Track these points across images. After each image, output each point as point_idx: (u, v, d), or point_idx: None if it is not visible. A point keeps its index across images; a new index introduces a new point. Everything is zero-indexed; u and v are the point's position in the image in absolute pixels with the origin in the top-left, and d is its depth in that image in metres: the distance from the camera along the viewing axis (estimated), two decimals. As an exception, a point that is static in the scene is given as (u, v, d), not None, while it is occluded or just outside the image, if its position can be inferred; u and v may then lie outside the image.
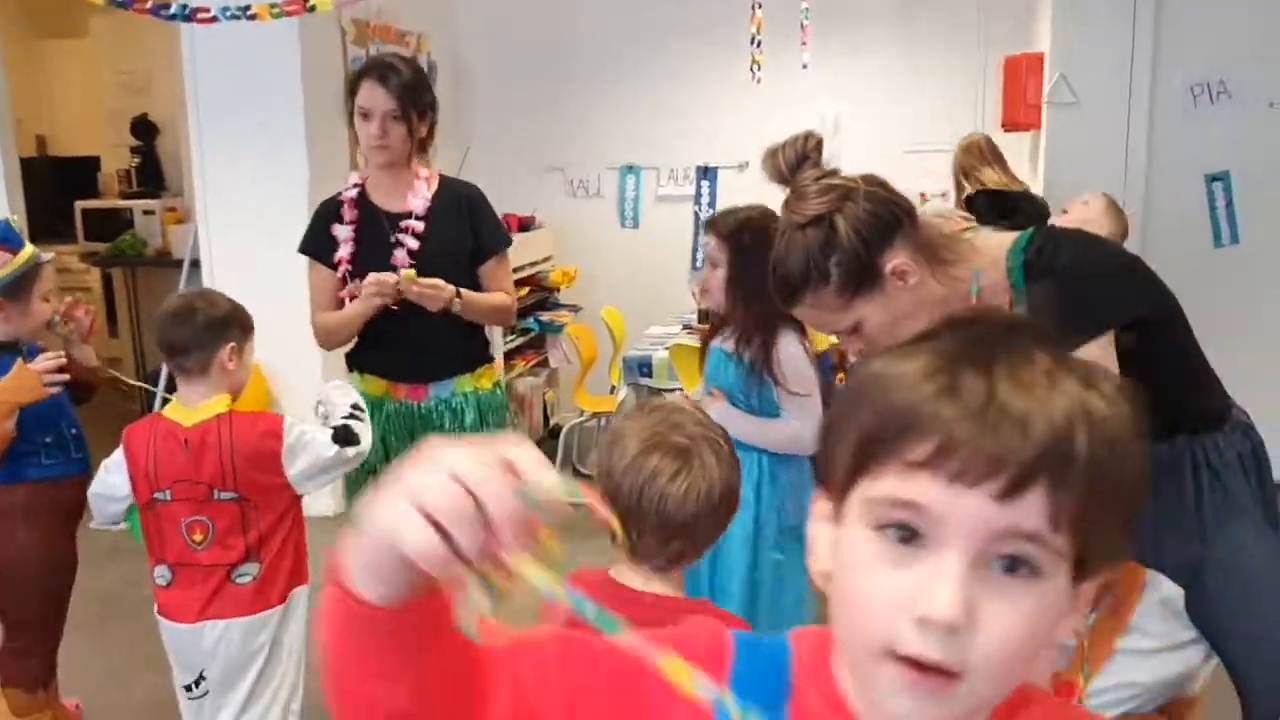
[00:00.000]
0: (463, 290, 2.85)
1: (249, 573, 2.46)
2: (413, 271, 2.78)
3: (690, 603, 1.60)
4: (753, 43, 4.49)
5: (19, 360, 2.80)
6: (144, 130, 7.76)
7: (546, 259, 6.19)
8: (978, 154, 4.89)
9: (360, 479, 2.80)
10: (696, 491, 1.52)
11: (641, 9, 6.16)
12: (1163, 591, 1.77)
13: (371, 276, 2.78)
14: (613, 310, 5.88)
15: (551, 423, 6.28)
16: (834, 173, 1.66)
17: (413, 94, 2.82)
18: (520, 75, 6.37)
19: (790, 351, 2.59)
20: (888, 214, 1.63)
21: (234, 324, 2.49)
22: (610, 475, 1.55)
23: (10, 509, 2.84)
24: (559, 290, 6.25)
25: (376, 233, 2.90)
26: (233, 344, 2.46)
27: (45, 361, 2.76)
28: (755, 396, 2.64)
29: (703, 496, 1.52)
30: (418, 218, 2.88)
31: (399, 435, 2.93)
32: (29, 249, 2.86)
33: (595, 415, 5.57)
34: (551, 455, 5.52)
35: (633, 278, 6.32)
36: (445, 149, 6.24)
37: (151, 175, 7.83)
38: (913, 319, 1.67)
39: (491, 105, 6.44)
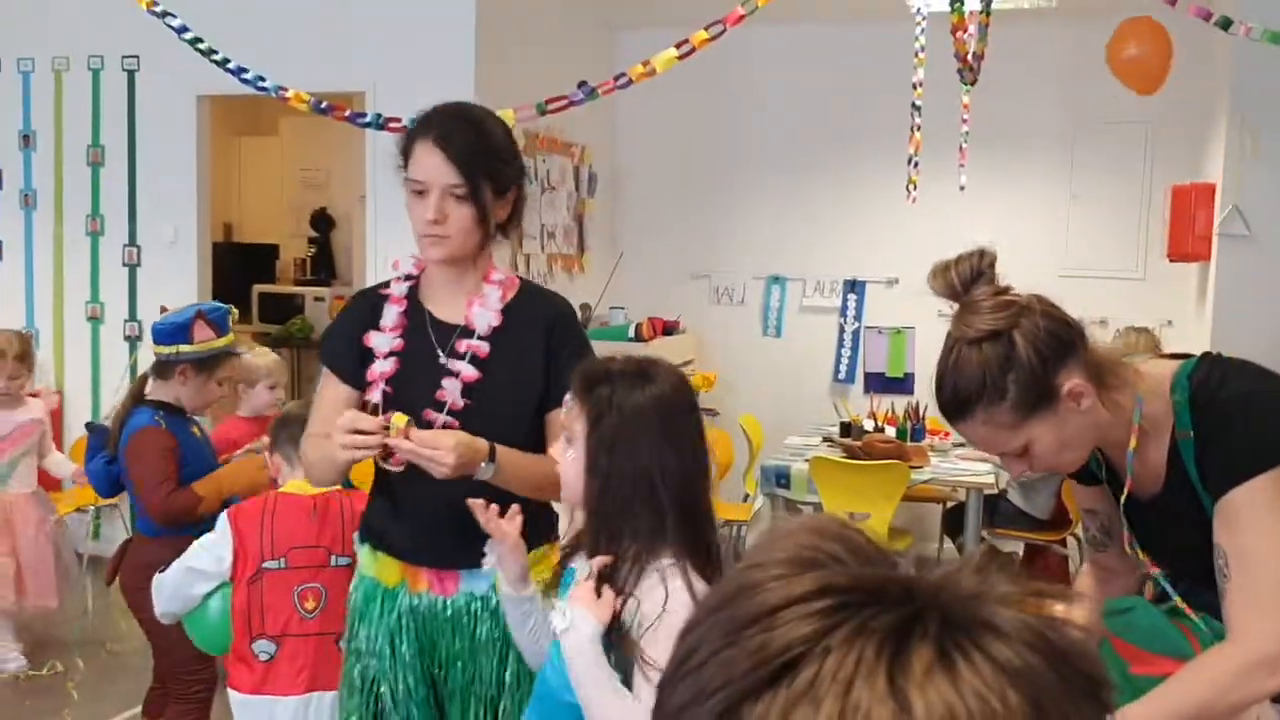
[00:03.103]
0: (501, 449, 1.94)
1: None
2: (405, 418, 1.89)
3: None
4: (910, 163, 4.53)
5: (250, 454, 3.20)
6: (321, 222, 8.25)
7: (688, 363, 6.26)
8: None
9: (361, 691, 2.12)
10: None
11: (796, 124, 6.29)
12: None
13: (347, 417, 1.92)
14: (751, 418, 5.90)
15: (685, 527, 6.28)
16: (1007, 290, 1.61)
17: (487, 160, 1.99)
18: (674, 185, 6.56)
19: (677, 605, 1.56)
20: (1065, 333, 1.59)
21: None
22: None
23: (160, 563, 3.03)
24: (698, 394, 6.30)
25: (421, 349, 2.06)
26: None
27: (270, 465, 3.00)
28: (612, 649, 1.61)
29: None
30: (481, 337, 2.05)
31: (414, 641, 2.06)
32: (230, 337, 3.22)
33: (728, 523, 5.55)
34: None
35: (772, 387, 6.34)
36: (600, 253, 6.45)
37: (324, 264, 8.29)
38: (1077, 445, 1.65)
39: (645, 214, 6.63)
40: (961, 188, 5.02)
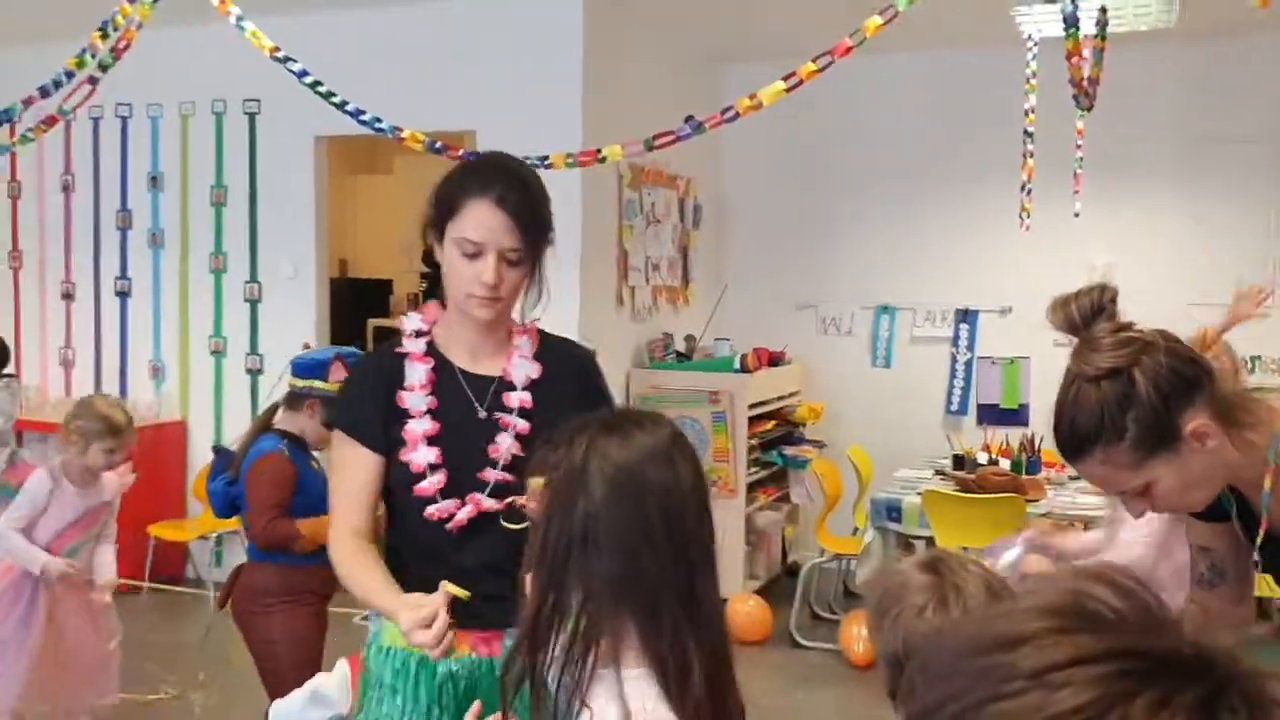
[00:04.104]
0: None
1: None
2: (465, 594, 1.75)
3: None
4: (1023, 190, 4.43)
5: None
6: (433, 258, 8.44)
7: (794, 394, 6.22)
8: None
9: None
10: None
11: (904, 152, 6.23)
12: None
13: (414, 620, 1.70)
14: (859, 450, 5.81)
15: (790, 559, 6.21)
16: (1129, 326, 1.58)
17: (540, 223, 1.94)
18: (779, 216, 6.54)
19: None
20: (1189, 371, 1.54)
21: None
22: (878, 615, 1.53)
23: (266, 589, 3.12)
24: (804, 426, 6.26)
25: (457, 405, 1.97)
26: None
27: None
28: None
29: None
30: (523, 389, 1.99)
31: (455, 712, 1.94)
32: None
33: (837, 556, 5.48)
34: (789, 594, 5.45)
35: (882, 418, 6.25)
36: (705, 284, 6.45)
37: (436, 298, 8.47)
38: (1204, 485, 1.60)
39: (750, 244, 6.62)
40: (1076, 214, 4.90)
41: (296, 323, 5.67)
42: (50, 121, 3.72)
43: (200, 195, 6.01)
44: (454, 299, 1.94)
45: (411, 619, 1.70)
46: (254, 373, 5.91)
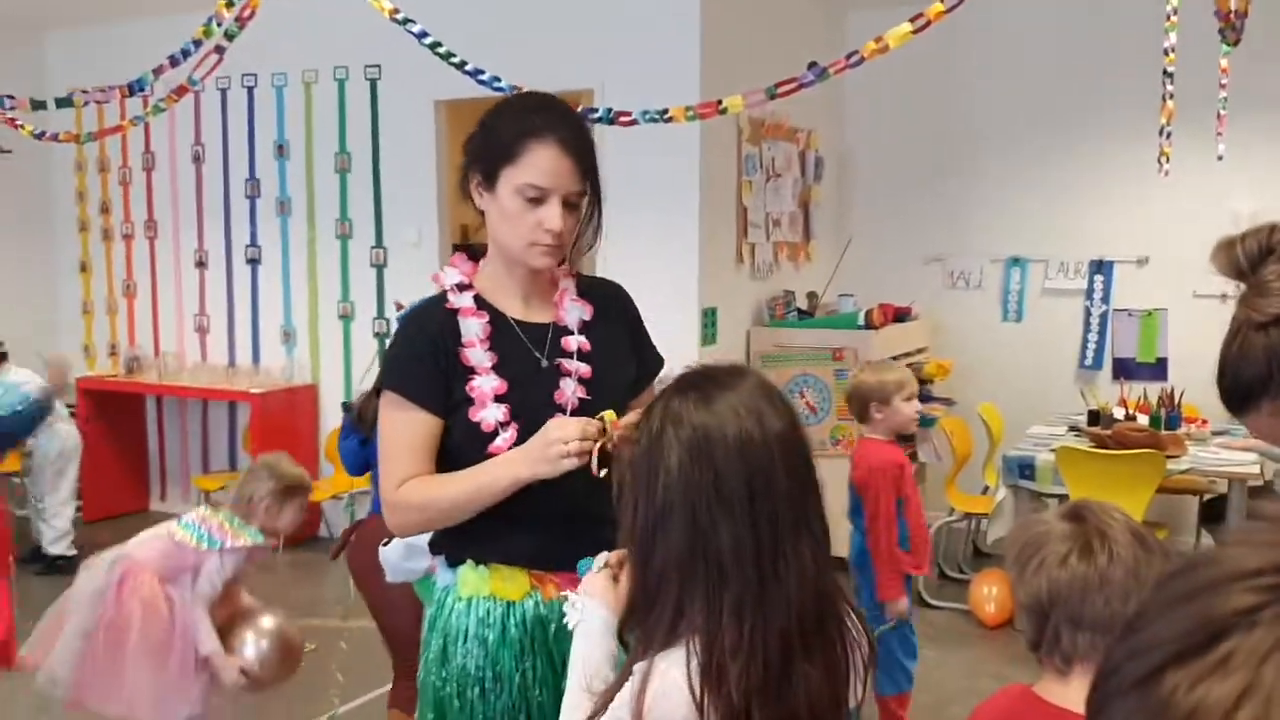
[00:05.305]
0: None
1: None
2: (612, 412, 1.78)
3: None
4: (1162, 133, 4.21)
5: None
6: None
7: (921, 350, 6.08)
8: None
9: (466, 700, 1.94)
10: (1094, 575, 1.42)
11: (1035, 96, 5.99)
12: None
13: (568, 429, 1.74)
14: (990, 407, 5.65)
15: (918, 519, 6.08)
16: None
17: (595, 161, 1.90)
18: (903, 167, 6.36)
19: (666, 690, 1.27)
20: None
21: None
22: (1020, 565, 1.50)
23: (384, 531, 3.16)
24: (933, 383, 6.11)
25: (517, 356, 1.93)
26: None
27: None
28: None
29: (1099, 580, 1.42)
30: (578, 331, 1.97)
31: (546, 655, 1.90)
32: None
33: (967, 515, 5.35)
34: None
35: (1014, 374, 6.07)
36: (826, 240, 6.33)
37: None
38: None
39: (874, 197, 6.46)
40: (1219, 158, 4.64)
41: (422, 288, 5.73)
42: (181, 91, 3.82)
43: (325, 163, 6.13)
44: (509, 247, 1.88)
45: (560, 429, 1.73)
46: (381, 336, 6.04)
